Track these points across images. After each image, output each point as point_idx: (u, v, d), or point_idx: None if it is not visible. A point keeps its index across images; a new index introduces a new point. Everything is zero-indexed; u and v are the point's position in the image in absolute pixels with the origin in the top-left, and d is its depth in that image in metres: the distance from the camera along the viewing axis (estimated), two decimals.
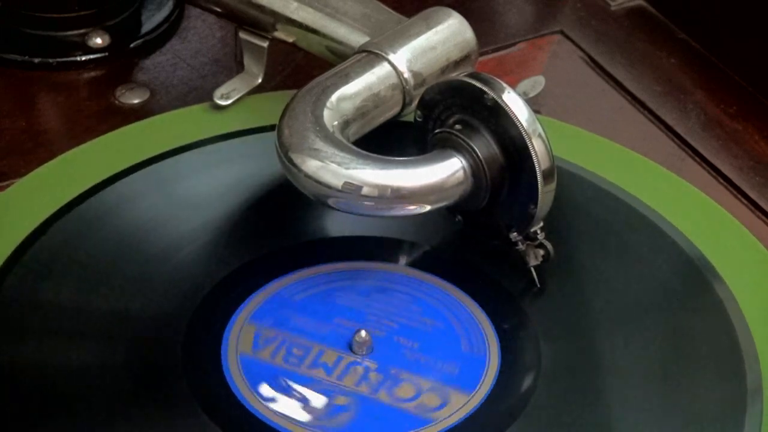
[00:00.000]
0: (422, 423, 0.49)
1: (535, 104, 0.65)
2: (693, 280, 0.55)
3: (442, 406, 0.49)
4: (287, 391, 0.50)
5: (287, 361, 0.51)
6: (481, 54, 0.66)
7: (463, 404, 0.49)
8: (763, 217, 0.61)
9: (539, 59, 0.70)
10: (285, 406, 0.49)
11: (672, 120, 0.66)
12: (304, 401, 0.50)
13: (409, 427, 0.49)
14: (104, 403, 0.49)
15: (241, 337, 0.52)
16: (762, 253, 0.57)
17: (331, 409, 0.49)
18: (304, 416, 0.49)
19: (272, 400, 0.50)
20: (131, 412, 0.49)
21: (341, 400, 0.50)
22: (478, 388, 0.50)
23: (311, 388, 0.50)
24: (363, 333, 0.51)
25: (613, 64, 0.69)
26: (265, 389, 0.50)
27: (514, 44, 0.71)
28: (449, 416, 0.49)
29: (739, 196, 0.62)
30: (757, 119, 0.67)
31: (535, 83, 0.65)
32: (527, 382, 0.51)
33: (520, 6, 0.74)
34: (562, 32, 0.72)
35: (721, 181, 0.63)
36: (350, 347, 0.52)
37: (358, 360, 0.51)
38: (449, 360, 0.51)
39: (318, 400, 0.50)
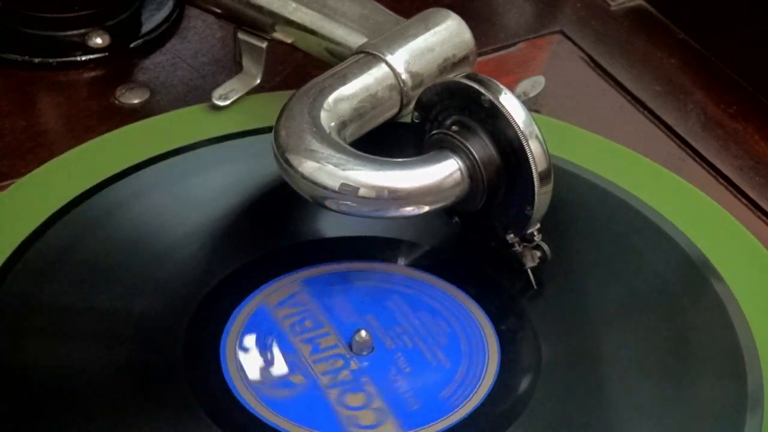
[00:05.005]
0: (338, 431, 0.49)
1: (535, 104, 0.65)
2: (693, 280, 0.55)
3: (370, 427, 0.49)
4: (264, 349, 0.51)
5: (291, 327, 0.51)
6: (481, 54, 0.66)
7: None
8: (763, 217, 0.61)
9: (539, 59, 0.70)
10: (249, 359, 0.50)
11: (672, 120, 0.66)
12: (267, 363, 0.50)
13: (326, 429, 0.49)
14: (104, 403, 0.49)
15: (282, 289, 0.53)
16: (762, 253, 0.57)
17: (280, 381, 0.50)
18: (254, 374, 0.50)
19: (245, 349, 0.50)
20: (131, 412, 0.49)
21: (297, 378, 0.50)
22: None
23: (284, 357, 0.50)
24: (363, 333, 0.51)
25: (613, 64, 0.69)
26: (249, 339, 0.51)
27: (514, 44, 0.71)
28: None
29: (739, 196, 0.62)
30: (757, 119, 0.67)
31: (535, 83, 0.65)
32: (527, 382, 0.51)
33: (520, 6, 0.74)
34: (562, 32, 0.72)
35: (721, 181, 0.63)
36: (350, 343, 0.52)
37: (347, 355, 0.51)
38: (418, 397, 0.50)
39: (278, 368, 0.50)
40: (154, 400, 0.49)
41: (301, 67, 0.67)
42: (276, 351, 0.51)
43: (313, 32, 0.61)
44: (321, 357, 0.51)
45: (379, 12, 0.61)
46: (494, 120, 0.52)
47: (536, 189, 0.52)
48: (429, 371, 0.51)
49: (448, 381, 0.51)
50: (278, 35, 0.62)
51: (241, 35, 0.63)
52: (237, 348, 0.51)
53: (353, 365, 0.51)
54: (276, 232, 0.57)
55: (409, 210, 0.52)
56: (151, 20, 0.70)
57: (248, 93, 0.63)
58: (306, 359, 0.51)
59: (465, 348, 0.52)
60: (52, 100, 0.65)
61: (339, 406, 0.49)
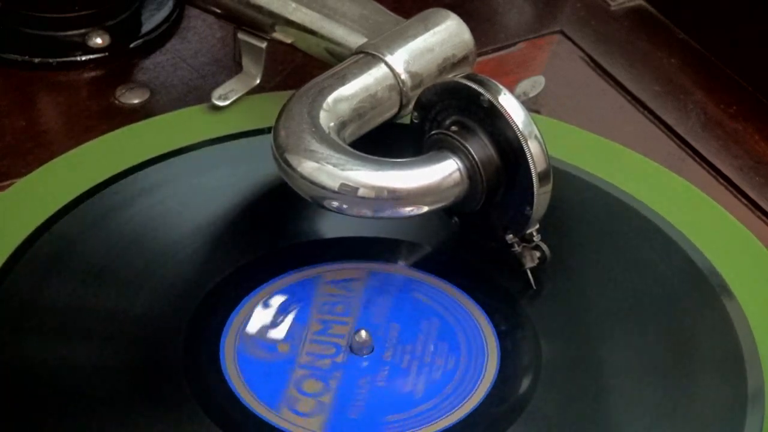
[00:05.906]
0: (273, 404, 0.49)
1: (535, 104, 0.65)
2: (693, 281, 0.55)
3: (301, 414, 0.49)
4: (282, 311, 0.53)
5: (322, 305, 0.53)
6: (481, 54, 0.66)
7: None
8: (763, 217, 0.61)
9: (539, 59, 0.70)
10: (263, 314, 0.52)
11: (672, 120, 0.66)
12: (273, 323, 0.52)
13: (265, 398, 0.49)
14: (104, 403, 0.49)
15: (342, 270, 0.55)
16: (762, 253, 0.57)
17: (268, 343, 0.51)
18: (253, 328, 0.52)
19: (267, 305, 0.53)
20: (131, 412, 0.49)
21: (283, 347, 0.51)
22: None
23: (291, 325, 0.52)
24: (363, 333, 0.51)
25: (613, 64, 0.69)
26: (278, 299, 0.53)
27: (514, 44, 0.71)
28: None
29: (739, 196, 0.62)
30: (757, 119, 0.67)
31: (535, 83, 0.65)
32: (527, 382, 0.51)
33: (520, 6, 0.74)
34: (562, 32, 0.72)
35: (721, 181, 0.63)
36: (351, 346, 0.52)
37: (343, 348, 0.51)
38: (366, 407, 0.50)
39: (276, 332, 0.52)
40: (154, 400, 0.49)
41: (300, 67, 0.67)
42: (290, 317, 0.52)
43: (313, 32, 0.61)
44: (321, 339, 0.51)
45: (379, 12, 0.61)
46: (493, 120, 0.52)
47: (535, 189, 0.52)
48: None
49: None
50: (278, 35, 0.62)
51: (241, 35, 0.63)
52: (259, 307, 0.52)
53: (339, 358, 0.51)
54: (276, 232, 0.57)
55: (409, 210, 0.52)
56: (151, 20, 0.70)
57: (248, 93, 0.63)
58: (307, 335, 0.51)
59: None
60: (52, 100, 0.65)
61: (293, 386, 0.50)
